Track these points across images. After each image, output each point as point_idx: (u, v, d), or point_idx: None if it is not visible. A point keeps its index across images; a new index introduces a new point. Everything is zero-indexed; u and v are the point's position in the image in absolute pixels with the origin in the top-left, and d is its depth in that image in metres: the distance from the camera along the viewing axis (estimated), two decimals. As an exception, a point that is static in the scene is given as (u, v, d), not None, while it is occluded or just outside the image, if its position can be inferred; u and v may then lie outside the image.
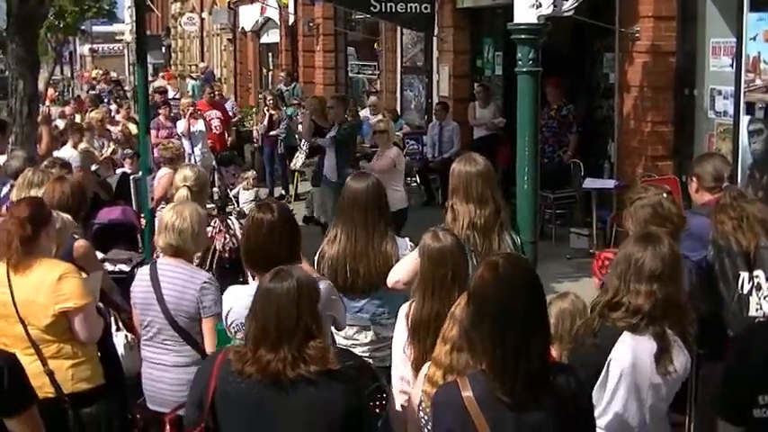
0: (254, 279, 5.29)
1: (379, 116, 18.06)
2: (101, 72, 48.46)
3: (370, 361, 6.04)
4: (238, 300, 5.22)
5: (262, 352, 3.96)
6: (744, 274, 6.01)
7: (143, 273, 5.98)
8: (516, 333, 3.55)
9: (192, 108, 16.88)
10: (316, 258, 6.32)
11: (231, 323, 5.30)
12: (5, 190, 8.79)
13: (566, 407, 3.66)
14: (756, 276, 5.99)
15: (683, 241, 5.86)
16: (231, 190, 17.60)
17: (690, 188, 6.85)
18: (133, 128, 16.75)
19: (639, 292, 4.38)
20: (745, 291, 6.01)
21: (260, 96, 20.81)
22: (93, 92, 35.72)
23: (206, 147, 16.59)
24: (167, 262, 5.89)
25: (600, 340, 4.40)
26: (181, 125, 16.59)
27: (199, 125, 16.53)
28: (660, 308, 4.36)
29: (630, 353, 4.32)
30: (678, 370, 4.39)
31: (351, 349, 6.12)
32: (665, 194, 5.66)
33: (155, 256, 6.81)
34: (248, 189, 17.61)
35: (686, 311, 4.58)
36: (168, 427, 5.20)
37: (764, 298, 5.99)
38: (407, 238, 6.37)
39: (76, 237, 6.81)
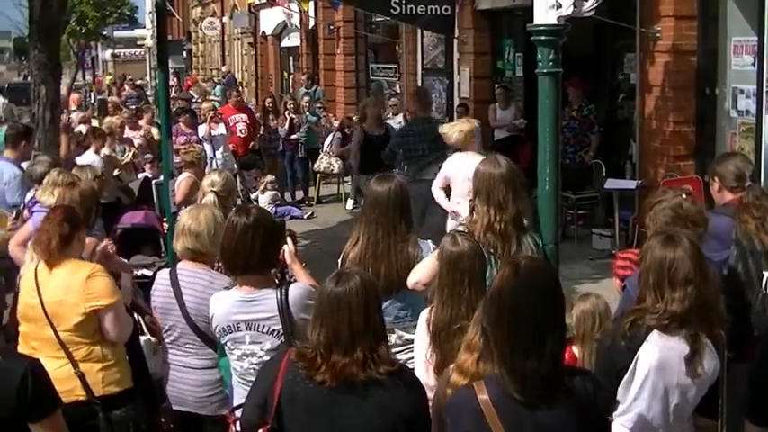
0: (240, 284, 5.30)
1: (399, 117, 18.12)
2: (112, 78, 48.70)
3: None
4: (220, 306, 5.29)
5: (336, 357, 4.01)
6: (767, 273, 5.98)
7: (163, 277, 6.04)
8: (530, 333, 3.57)
9: (212, 112, 16.93)
10: (339, 260, 6.35)
11: (215, 328, 5.35)
12: (30, 195, 8.84)
13: (580, 409, 3.67)
14: None
15: (706, 242, 5.84)
16: (252, 194, 17.64)
17: (711, 188, 6.83)
18: (155, 132, 16.79)
19: (675, 298, 4.32)
20: None
21: (267, 101, 20.74)
22: (100, 97, 35.89)
23: (228, 150, 16.63)
24: (187, 266, 5.95)
25: (630, 342, 4.36)
26: (202, 129, 16.63)
27: (220, 129, 16.57)
28: (695, 311, 4.32)
29: (658, 351, 4.29)
30: (707, 372, 4.36)
31: None
32: (684, 195, 5.62)
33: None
34: (267, 192, 17.63)
35: (720, 314, 4.54)
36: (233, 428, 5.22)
37: None
38: (429, 241, 6.37)
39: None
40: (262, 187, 17.70)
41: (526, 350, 3.57)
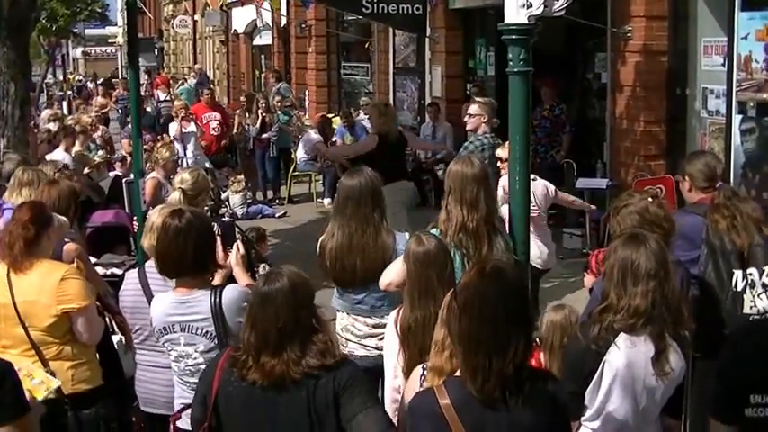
0: (175, 286, 5.31)
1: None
2: (76, 77, 48.43)
3: (376, 351, 6.18)
4: (157, 307, 5.30)
5: (265, 358, 4.02)
6: (737, 272, 6.01)
7: (132, 276, 6.02)
8: (492, 333, 3.58)
9: (184, 110, 16.87)
10: (317, 251, 6.47)
11: (154, 329, 5.36)
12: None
13: (543, 411, 3.68)
14: (750, 274, 6.00)
15: (676, 242, 5.87)
16: (224, 192, 17.59)
17: (682, 187, 6.86)
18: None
19: (637, 293, 4.35)
20: (739, 288, 6.02)
21: (242, 99, 20.70)
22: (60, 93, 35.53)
23: (198, 149, 16.58)
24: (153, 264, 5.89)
25: (596, 345, 4.38)
26: (173, 128, 16.57)
27: (191, 127, 16.52)
28: (658, 307, 4.34)
29: (625, 354, 4.31)
30: (675, 371, 4.39)
31: (353, 340, 6.41)
32: (650, 199, 5.63)
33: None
34: (238, 192, 17.59)
35: (683, 314, 4.57)
36: (172, 427, 5.24)
37: (758, 295, 5.99)
38: (407, 233, 6.42)
39: (67, 240, 6.82)
40: (233, 187, 17.65)
41: (488, 351, 3.58)
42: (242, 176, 18.08)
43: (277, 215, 17.40)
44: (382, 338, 6.20)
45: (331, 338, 4.18)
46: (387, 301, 6.23)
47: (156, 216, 6.08)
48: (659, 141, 12.22)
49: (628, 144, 12.46)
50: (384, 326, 6.11)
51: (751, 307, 5.99)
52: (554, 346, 5.39)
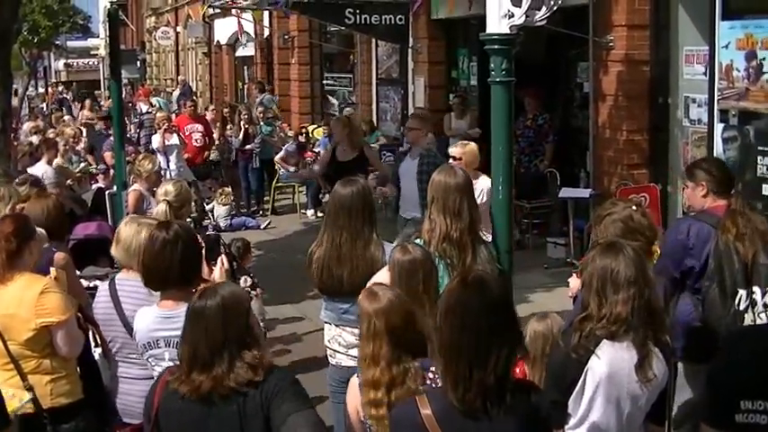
0: (160, 300, 5.27)
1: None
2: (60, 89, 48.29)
3: None
4: (141, 321, 5.26)
5: (194, 375, 4.01)
6: (742, 292, 5.99)
7: (103, 289, 5.98)
8: (474, 344, 3.58)
9: (166, 123, 16.85)
10: (306, 260, 6.47)
11: (137, 344, 5.31)
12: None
13: (525, 421, 3.69)
14: (753, 293, 5.99)
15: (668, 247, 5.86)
16: (208, 204, 17.56)
17: (692, 193, 6.65)
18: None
19: (618, 300, 4.33)
20: (742, 307, 6.00)
21: (225, 110, 20.69)
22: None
23: (182, 161, 16.56)
24: (127, 277, 5.88)
25: (577, 353, 4.37)
26: (156, 140, 16.54)
27: (173, 139, 16.49)
28: (639, 314, 4.33)
29: (608, 361, 4.30)
30: (658, 377, 4.38)
31: (340, 351, 6.38)
32: (634, 207, 5.63)
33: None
34: (224, 204, 17.57)
35: (663, 318, 4.58)
36: None
37: (759, 315, 5.98)
38: (394, 245, 6.45)
39: (55, 249, 6.80)
40: (219, 199, 17.62)
41: (470, 361, 3.58)
42: (229, 188, 18.06)
43: (262, 226, 17.36)
44: None
45: (263, 353, 4.14)
46: None
47: (125, 227, 6.05)
48: (642, 150, 12.25)
49: (611, 153, 12.49)
50: None
51: None
52: (537, 355, 5.39)
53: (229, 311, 4.06)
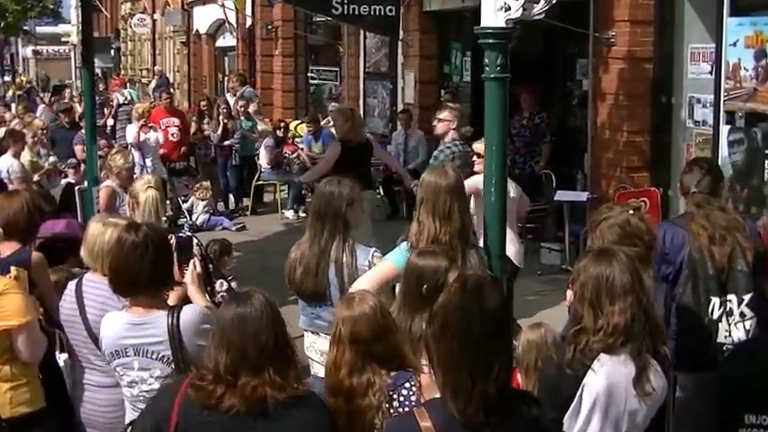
0: (129, 306, 5.25)
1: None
2: (27, 78, 48.14)
3: None
4: (109, 328, 5.21)
5: (245, 379, 3.96)
6: (715, 300, 6.05)
7: (69, 289, 5.94)
8: (475, 353, 3.57)
9: (146, 116, 16.82)
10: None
11: (104, 352, 5.27)
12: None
13: None
14: (729, 301, 6.03)
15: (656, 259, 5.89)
16: (184, 202, 17.53)
17: (680, 195, 6.82)
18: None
19: (615, 311, 4.33)
20: (715, 316, 6.06)
21: (203, 104, 20.63)
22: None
23: (157, 159, 16.53)
24: (93, 278, 5.86)
25: (574, 367, 4.37)
26: (131, 134, 16.50)
27: (151, 135, 16.47)
28: (638, 323, 4.34)
29: (605, 377, 4.30)
30: (657, 391, 4.39)
31: (316, 360, 6.43)
32: (631, 211, 5.64)
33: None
34: (203, 200, 17.54)
35: (661, 328, 4.60)
36: None
37: (735, 324, 6.03)
38: (373, 249, 6.46)
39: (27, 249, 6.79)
40: (198, 194, 17.58)
41: (471, 371, 3.58)
42: (208, 183, 18.03)
43: (234, 227, 17.29)
44: None
45: (297, 369, 4.15)
46: None
47: (96, 225, 6.03)
48: (643, 152, 12.27)
49: (610, 155, 12.51)
50: None
51: (726, 336, 6.04)
52: (530, 366, 5.41)
53: (275, 313, 4.09)
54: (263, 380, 3.95)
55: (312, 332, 6.53)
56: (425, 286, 5.13)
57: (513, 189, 8.80)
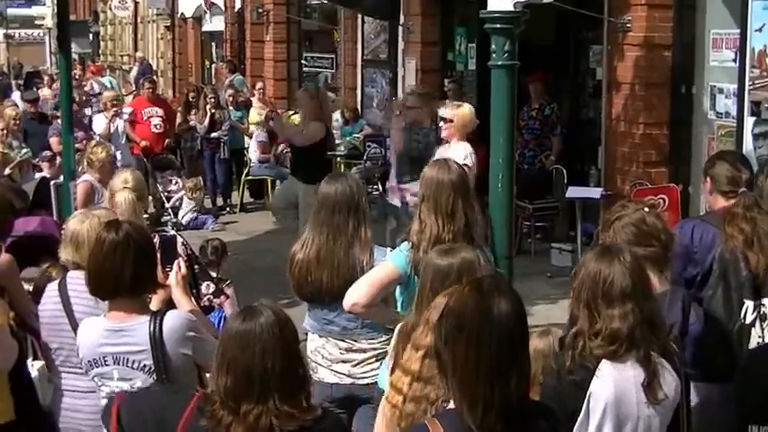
0: (109, 310, 5.21)
1: (336, 115, 18.13)
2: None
3: (349, 379, 6.34)
4: (87, 335, 5.18)
5: (247, 406, 3.86)
6: (748, 303, 6.00)
7: (51, 289, 5.92)
8: (493, 358, 3.53)
9: (115, 105, 16.82)
10: (288, 262, 6.51)
11: (81, 360, 5.24)
12: None
13: None
14: (763, 305, 5.99)
15: (677, 258, 5.86)
16: (168, 199, 17.51)
17: (704, 190, 6.77)
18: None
19: (613, 316, 4.31)
20: (748, 321, 6.01)
21: (191, 94, 20.62)
22: None
23: (126, 149, 16.54)
24: (77, 276, 5.80)
25: (576, 375, 4.35)
26: (100, 124, 16.49)
27: (117, 122, 16.48)
28: (640, 329, 4.33)
29: (612, 383, 4.29)
30: (669, 395, 4.37)
31: (323, 364, 6.44)
32: (646, 209, 5.61)
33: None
34: (193, 196, 17.51)
35: (665, 330, 4.59)
36: None
37: None
38: (389, 248, 6.46)
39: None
40: (183, 192, 17.56)
41: (490, 379, 3.53)
42: (200, 180, 18.03)
43: (211, 227, 17.25)
44: (356, 364, 6.28)
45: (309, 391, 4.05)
46: (361, 322, 6.28)
47: (75, 222, 6.02)
48: (661, 146, 12.27)
49: (625, 149, 12.50)
50: (359, 350, 6.26)
51: (758, 342, 5.99)
52: (536, 377, 5.39)
53: (285, 331, 3.95)
54: (268, 408, 3.84)
55: (320, 336, 6.50)
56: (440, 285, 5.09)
57: None
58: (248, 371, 3.86)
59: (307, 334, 6.58)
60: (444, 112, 9.62)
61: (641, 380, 4.30)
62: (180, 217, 17.25)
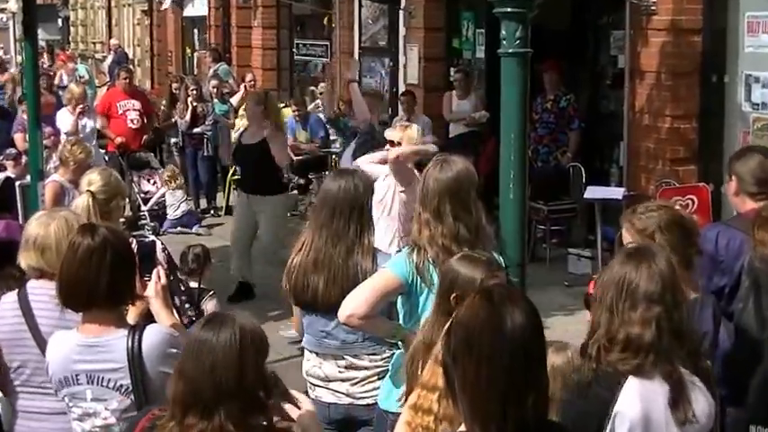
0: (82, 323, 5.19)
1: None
2: None
3: (348, 399, 6.36)
4: (57, 351, 5.14)
5: (191, 420, 3.88)
6: None
7: (9, 301, 5.81)
8: (507, 375, 3.52)
9: (82, 101, 16.84)
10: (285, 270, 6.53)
11: (50, 378, 5.20)
12: None
13: None
14: None
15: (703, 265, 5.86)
16: (146, 201, 17.51)
17: (728, 190, 6.71)
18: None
19: (635, 320, 4.30)
20: None
21: (174, 85, 20.65)
22: None
23: (97, 148, 16.57)
24: (41, 285, 5.75)
25: (599, 389, 4.34)
26: (66, 121, 16.49)
27: (86, 122, 16.50)
28: (667, 339, 4.31)
29: (639, 402, 4.27)
30: (700, 417, 4.34)
31: (320, 384, 6.47)
32: (677, 207, 5.59)
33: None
34: (174, 191, 17.50)
35: (695, 342, 4.57)
36: None
37: None
38: (394, 254, 6.46)
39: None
40: (169, 185, 17.54)
41: (504, 398, 3.52)
42: (177, 169, 18.07)
43: (194, 229, 17.28)
44: (356, 383, 6.28)
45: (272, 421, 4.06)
46: (361, 335, 6.28)
47: (38, 225, 5.98)
48: (689, 141, 12.28)
49: (650, 144, 12.52)
50: (358, 367, 6.29)
51: None
52: (554, 397, 5.38)
53: (247, 346, 3.94)
54: (212, 425, 3.85)
55: (317, 354, 6.51)
56: (454, 295, 5.10)
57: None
58: (196, 382, 3.89)
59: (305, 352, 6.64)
60: (391, 133, 9.61)
61: (668, 397, 4.29)
62: (171, 214, 17.26)
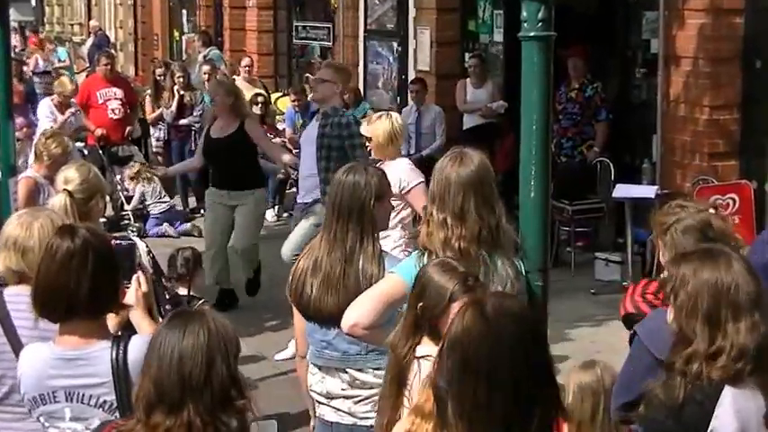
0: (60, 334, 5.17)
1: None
2: None
3: (350, 419, 6.37)
4: (30, 364, 5.12)
5: (158, 418, 3.95)
6: None
7: None
8: (506, 398, 3.53)
9: (73, 107, 16.89)
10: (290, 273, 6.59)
11: (23, 396, 5.17)
12: None
13: None
14: None
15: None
16: (129, 199, 17.52)
17: None
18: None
19: (740, 329, 4.28)
20: None
21: (159, 71, 20.65)
22: None
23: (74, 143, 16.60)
24: (18, 292, 5.73)
25: (693, 409, 4.32)
26: (47, 114, 16.51)
27: (74, 120, 16.54)
28: (765, 344, 4.29)
29: (734, 416, 4.28)
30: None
31: (322, 401, 6.50)
32: (711, 210, 5.58)
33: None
34: (149, 183, 17.48)
35: None
36: None
37: None
38: (414, 253, 6.47)
39: None
40: (142, 176, 17.54)
41: (503, 420, 3.54)
42: (140, 157, 18.14)
43: (180, 227, 17.30)
44: (359, 401, 6.30)
45: (246, 420, 4.12)
46: (365, 346, 6.27)
47: (18, 225, 5.97)
48: (730, 134, 12.27)
49: (686, 137, 12.52)
50: (363, 384, 6.30)
51: None
52: (584, 419, 5.37)
53: (214, 342, 4.03)
54: (180, 421, 3.93)
55: (320, 367, 6.53)
56: (420, 304, 5.12)
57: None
58: (160, 379, 3.98)
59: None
60: (364, 128, 9.59)
61: (763, 412, 4.29)
62: (154, 211, 17.29)
